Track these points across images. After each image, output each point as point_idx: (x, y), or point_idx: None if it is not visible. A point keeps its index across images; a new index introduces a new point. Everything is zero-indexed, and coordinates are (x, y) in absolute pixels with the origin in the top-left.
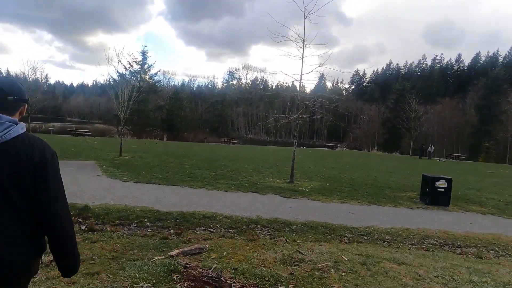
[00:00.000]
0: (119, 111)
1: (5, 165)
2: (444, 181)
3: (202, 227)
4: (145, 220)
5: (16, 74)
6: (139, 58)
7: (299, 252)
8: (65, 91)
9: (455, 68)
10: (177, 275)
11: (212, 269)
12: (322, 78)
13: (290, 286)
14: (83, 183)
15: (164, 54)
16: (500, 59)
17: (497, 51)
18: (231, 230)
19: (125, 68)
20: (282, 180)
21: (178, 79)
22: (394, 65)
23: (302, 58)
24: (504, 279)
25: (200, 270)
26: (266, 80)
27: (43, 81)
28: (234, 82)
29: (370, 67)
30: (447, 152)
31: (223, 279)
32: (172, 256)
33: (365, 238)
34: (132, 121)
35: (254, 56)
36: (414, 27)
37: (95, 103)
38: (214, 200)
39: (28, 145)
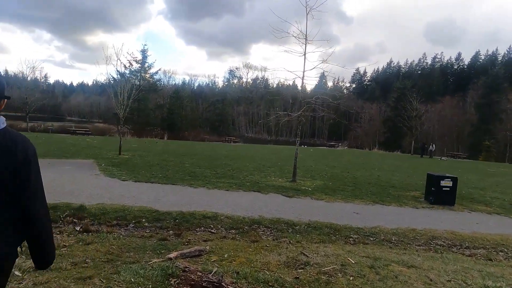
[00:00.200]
0: (118, 109)
1: None
2: (450, 180)
3: (202, 228)
4: (143, 220)
5: (14, 73)
6: (139, 57)
7: (304, 254)
8: (64, 91)
9: (455, 67)
10: (175, 279)
11: (212, 273)
12: (322, 76)
13: None
14: (81, 182)
15: (165, 53)
16: (500, 58)
17: (497, 49)
18: (233, 231)
19: (125, 66)
20: (284, 179)
21: (178, 78)
22: (395, 64)
23: (305, 55)
24: None
25: (200, 274)
26: (267, 79)
27: (42, 80)
28: (235, 81)
29: (371, 65)
30: (447, 151)
31: (224, 284)
32: (170, 258)
33: (371, 239)
34: (132, 120)
35: (254, 55)
36: (415, 25)
37: (95, 102)
38: (215, 200)
39: (10, 140)
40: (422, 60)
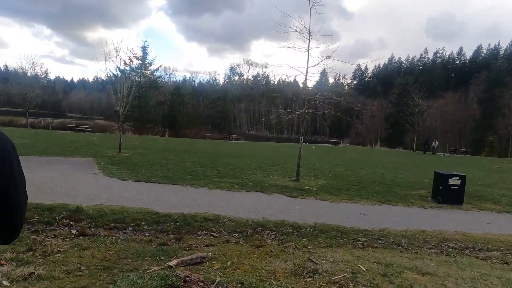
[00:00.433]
0: (118, 106)
1: None
2: (458, 178)
3: (204, 231)
4: (143, 223)
5: (14, 69)
6: (140, 54)
7: (312, 260)
8: (65, 87)
9: (457, 62)
10: None
11: (215, 283)
12: (323, 73)
13: None
14: (79, 182)
15: (165, 49)
16: (502, 52)
17: (498, 43)
18: (236, 235)
19: (125, 63)
20: (288, 178)
21: (179, 75)
22: (396, 60)
23: (308, 50)
24: None
25: (202, 284)
26: (268, 76)
27: (42, 76)
28: (236, 78)
29: (372, 61)
30: (450, 147)
31: None
32: (170, 266)
33: (380, 242)
34: (133, 117)
35: (255, 52)
36: (415, 20)
37: (96, 99)
38: (216, 200)
39: None
40: (423, 56)
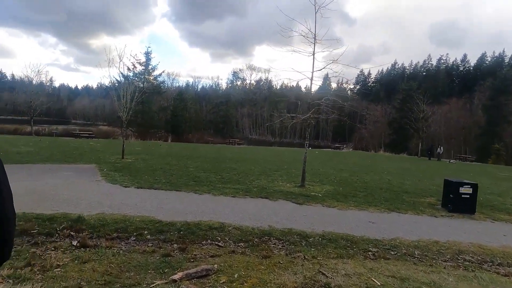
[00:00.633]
0: (121, 112)
1: None
2: (469, 186)
3: (209, 241)
4: (145, 232)
5: (20, 77)
6: (143, 59)
7: (322, 273)
8: (70, 94)
9: (461, 68)
10: None
11: None
12: (326, 78)
13: None
14: (81, 189)
15: (168, 55)
16: (506, 60)
17: (503, 51)
18: (242, 244)
19: (129, 69)
20: (293, 184)
21: (182, 80)
22: (399, 65)
23: (313, 54)
24: None
25: None
26: (270, 81)
27: (47, 84)
28: (239, 82)
29: (378, 66)
30: (455, 153)
31: None
32: (174, 280)
33: (392, 253)
34: (136, 123)
35: (258, 57)
36: (418, 27)
37: (100, 105)
38: (221, 207)
39: None
40: (427, 62)
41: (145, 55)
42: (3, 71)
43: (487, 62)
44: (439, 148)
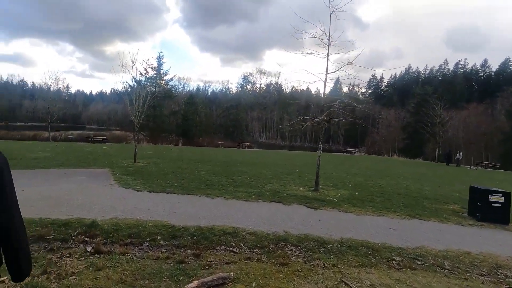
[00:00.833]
0: (133, 116)
1: None
2: (501, 195)
3: (223, 246)
4: (159, 237)
5: (40, 85)
6: (155, 64)
7: (346, 283)
8: (85, 100)
9: (481, 73)
10: None
11: None
12: (337, 82)
13: None
14: (94, 194)
15: (179, 60)
16: None
17: None
18: (257, 250)
19: (141, 74)
20: (306, 188)
21: (193, 85)
22: (414, 70)
23: (328, 56)
24: None
25: None
26: (280, 84)
27: (64, 90)
28: (249, 86)
29: (391, 69)
30: (475, 160)
31: None
32: None
33: (418, 263)
34: (148, 127)
35: (268, 61)
36: (433, 32)
37: (113, 110)
38: (233, 211)
39: None
40: (443, 66)
41: (157, 60)
42: (25, 80)
43: (511, 67)
44: (458, 154)
